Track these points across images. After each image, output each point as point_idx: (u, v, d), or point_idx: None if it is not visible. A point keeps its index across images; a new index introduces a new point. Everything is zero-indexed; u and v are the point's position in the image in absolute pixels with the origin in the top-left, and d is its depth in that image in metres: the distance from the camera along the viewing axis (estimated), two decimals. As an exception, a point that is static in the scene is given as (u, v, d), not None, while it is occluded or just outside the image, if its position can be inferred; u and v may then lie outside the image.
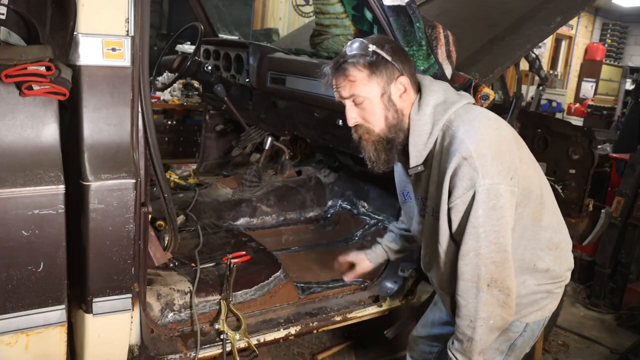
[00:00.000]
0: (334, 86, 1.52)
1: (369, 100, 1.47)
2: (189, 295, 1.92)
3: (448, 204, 1.44)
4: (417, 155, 1.51)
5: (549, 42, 10.51)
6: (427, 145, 1.49)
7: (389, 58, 1.46)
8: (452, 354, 1.53)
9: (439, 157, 1.47)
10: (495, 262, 1.40)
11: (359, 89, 1.46)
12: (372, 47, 1.46)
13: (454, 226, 1.45)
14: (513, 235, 1.47)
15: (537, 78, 3.37)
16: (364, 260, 2.01)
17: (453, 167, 1.39)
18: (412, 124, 1.50)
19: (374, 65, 1.45)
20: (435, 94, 1.50)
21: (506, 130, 1.47)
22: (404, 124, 1.51)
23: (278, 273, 2.16)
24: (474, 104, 1.58)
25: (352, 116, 1.51)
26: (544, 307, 1.61)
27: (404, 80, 1.49)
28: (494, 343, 1.62)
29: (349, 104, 1.50)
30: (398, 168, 1.77)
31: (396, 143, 1.51)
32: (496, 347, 1.64)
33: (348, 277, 2.04)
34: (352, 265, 2.03)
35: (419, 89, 1.55)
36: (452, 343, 1.54)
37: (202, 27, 2.98)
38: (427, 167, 1.53)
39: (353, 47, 1.49)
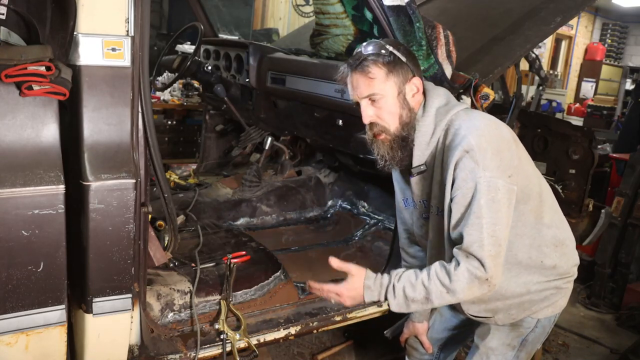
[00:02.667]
0: (351, 84, 1.54)
1: (386, 98, 1.50)
2: (189, 295, 1.92)
3: (451, 195, 1.46)
4: (419, 155, 1.55)
5: (549, 42, 10.50)
6: (429, 145, 1.54)
7: (403, 59, 1.51)
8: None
9: (441, 156, 1.51)
10: (491, 255, 1.40)
11: (378, 87, 1.49)
12: (389, 48, 1.51)
13: (453, 217, 1.46)
14: (516, 232, 1.52)
15: (537, 78, 3.36)
16: (420, 326, 1.96)
17: (455, 160, 1.43)
18: (417, 124, 1.54)
19: (391, 64, 1.49)
20: (439, 98, 1.57)
21: (505, 130, 1.51)
22: (414, 123, 1.55)
23: (278, 273, 2.16)
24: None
25: (369, 114, 1.53)
26: (555, 303, 1.64)
27: (417, 81, 1.54)
28: (506, 338, 1.65)
29: (365, 102, 1.52)
30: (397, 175, 1.77)
31: (409, 140, 1.54)
32: (508, 342, 1.67)
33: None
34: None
35: (424, 93, 1.60)
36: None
37: (202, 27, 2.98)
38: (429, 168, 1.56)
39: (370, 47, 1.52)
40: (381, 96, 1.50)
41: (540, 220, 1.57)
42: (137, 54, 1.52)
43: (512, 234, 1.51)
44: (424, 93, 1.58)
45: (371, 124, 1.55)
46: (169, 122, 4.37)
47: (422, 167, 1.56)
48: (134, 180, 1.52)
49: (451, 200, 1.46)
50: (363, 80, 1.50)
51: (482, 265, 1.40)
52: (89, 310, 1.55)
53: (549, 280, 1.60)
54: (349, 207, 3.18)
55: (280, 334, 2.05)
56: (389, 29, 1.93)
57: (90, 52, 1.45)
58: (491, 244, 1.40)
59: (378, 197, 3.05)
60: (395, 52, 1.51)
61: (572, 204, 2.71)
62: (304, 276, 2.40)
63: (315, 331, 2.18)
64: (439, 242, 1.59)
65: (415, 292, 1.45)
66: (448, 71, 1.98)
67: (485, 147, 1.41)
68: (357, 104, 1.55)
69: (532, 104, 4.51)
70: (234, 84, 3.02)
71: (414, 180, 1.62)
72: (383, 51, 1.50)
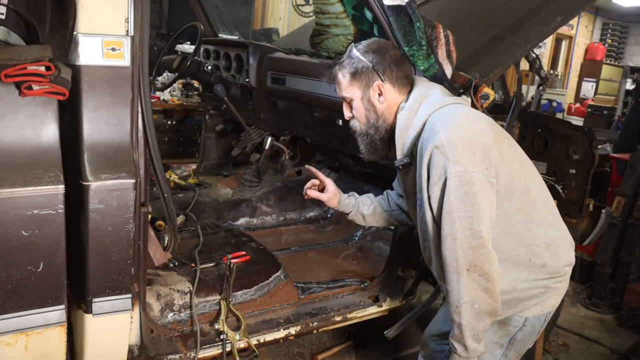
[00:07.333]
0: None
1: (354, 101, 1.67)
2: (188, 295, 1.92)
3: (428, 192, 1.51)
4: (400, 147, 1.62)
5: (549, 42, 10.50)
6: (409, 138, 1.59)
7: (369, 65, 1.61)
8: (451, 342, 1.56)
9: (420, 151, 1.54)
10: (472, 247, 1.44)
11: (345, 91, 1.68)
12: (357, 54, 1.63)
13: (435, 213, 1.52)
14: (502, 230, 1.53)
15: (537, 78, 3.36)
16: (335, 197, 2.00)
17: (427, 157, 1.49)
18: (398, 118, 1.62)
19: (356, 71, 1.63)
20: (423, 93, 1.62)
21: (483, 125, 1.52)
22: (386, 123, 1.66)
23: (278, 273, 2.16)
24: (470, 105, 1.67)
25: (346, 112, 1.73)
26: (544, 301, 1.62)
27: (379, 84, 1.62)
28: (494, 337, 1.64)
29: (344, 102, 1.72)
30: None
31: (375, 138, 1.69)
32: (496, 340, 1.66)
33: (309, 193, 2.03)
34: (322, 190, 2.03)
35: (412, 88, 1.66)
36: (451, 332, 1.57)
37: (202, 27, 2.98)
38: (414, 162, 1.60)
39: (345, 52, 1.68)
40: (350, 99, 1.68)
41: (530, 219, 1.57)
42: (137, 54, 1.52)
43: (497, 231, 1.53)
44: (412, 88, 1.65)
45: (350, 120, 1.73)
46: (169, 122, 4.37)
47: (405, 160, 1.62)
48: (133, 180, 1.52)
49: (430, 197, 1.50)
50: (336, 85, 1.70)
51: (457, 257, 1.45)
52: (88, 310, 1.55)
53: (537, 278, 1.59)
54: (349, 207, 3.17)
55: (280, 334, 2.05)
56: (389, 29, 1.93)
57: (90, 52, 1.45)
58: (469, 236, 1.44)
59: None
60: (362, 58, 1.62)
61: (572, 204, 2.70)
62: (304, 276, 2.40)
63: (315, 331, 2.18)
64: (427, 234, 1.61)
65: None
66: (448, 71, 1.98)
67: (455, 142, 1.44)
68: None
69: (532, 104, 4.51)
70: (234, 84, 3.02)
71: (402, 172, 1.71)
72: (351, 58, 1.64)
